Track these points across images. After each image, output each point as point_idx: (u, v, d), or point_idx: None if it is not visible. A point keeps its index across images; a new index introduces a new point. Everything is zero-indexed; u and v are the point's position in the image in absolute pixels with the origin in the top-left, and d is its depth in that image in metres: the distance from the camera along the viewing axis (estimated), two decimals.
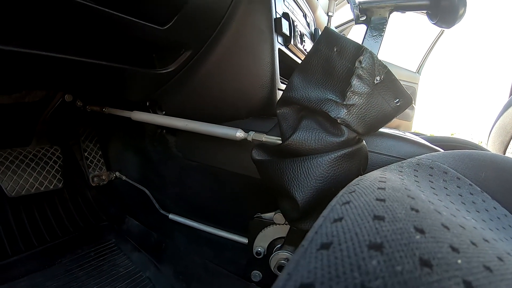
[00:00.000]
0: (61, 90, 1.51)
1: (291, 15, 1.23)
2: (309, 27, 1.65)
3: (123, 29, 0.83)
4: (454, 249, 0.31)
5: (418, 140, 1.01)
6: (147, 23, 0.84)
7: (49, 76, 0.91)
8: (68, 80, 0.98)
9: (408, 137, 1.02)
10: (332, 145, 0.78)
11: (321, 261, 0.30)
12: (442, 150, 0.93)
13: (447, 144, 1.62)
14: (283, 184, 0.82)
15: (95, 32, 0.89)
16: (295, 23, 1.27)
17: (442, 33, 3.58)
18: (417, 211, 0.38)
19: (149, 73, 1.05)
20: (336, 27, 3.17)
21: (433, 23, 1.10)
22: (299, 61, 1.42)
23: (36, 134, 1.62)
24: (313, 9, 1.86)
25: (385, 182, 0.52)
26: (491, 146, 2.25)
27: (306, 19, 1.61)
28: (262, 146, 0.95)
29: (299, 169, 0.79)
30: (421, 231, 0.33)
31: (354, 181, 0.59)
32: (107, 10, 0.73)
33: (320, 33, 1.72)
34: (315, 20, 1.91)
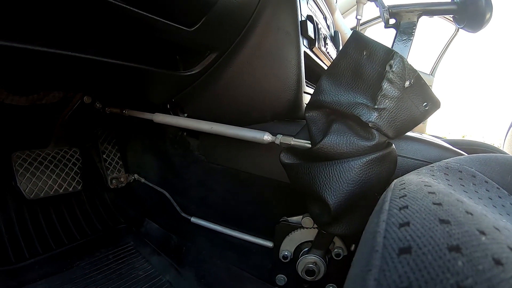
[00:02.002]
0: (83, 92, 1.51)
1: (314, 17, 1.22)
2: (329, 30, 1.64)
3: (151, 29, 0.83)
4: (511, 248, 0.32)
5: (443, 144, 1.00)
6: (175, 24, 0.83)
7: (73, 77, 0.91)
8: (92, 82, 0.98)
9: (433, 141, 1.01)
10: (363, 149, 0.78)
11: (409, 265, 0.31)
12: (466, 154, 0.92)
13: (468, 147, 1.61)
14: (314, 188, 0.81)
15: (122, 33, 0.89)
16: (319, 26, 1.26)
17: (455, 34, 3.57)
18: (471, 214, 0.39)
19: (173, 75, 1.04)
20: (351, 29, 3.16)
21: (460, 28, 1.10)
22: (322, 64, 1.42)
23: (54, 136, 1.62)
24: (332, 11, 1.85)
25: (431, 186, 0.52)
26: (507, 148, 2.24)
27: (326, 22, 1.60)
28: (290, 149, 0.95)
29: (331, 173, 0.78)
30: (482, 233, 0.34)
31: (394, 185, 0.59)
32: (136, 10, 0.73)
33: (340, 35, 1.73)
34: (334, 22, 1.90)
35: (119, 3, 0.68)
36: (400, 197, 0.48)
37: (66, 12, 0.72)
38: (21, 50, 0.67)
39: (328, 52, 1.45)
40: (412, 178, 0.61)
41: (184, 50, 1.06)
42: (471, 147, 1.61)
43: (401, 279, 0.30)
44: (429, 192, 0.48)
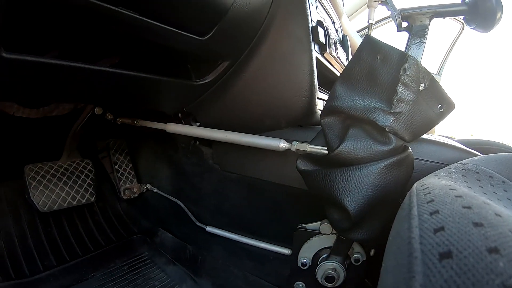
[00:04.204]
0: (96, 103, 1.51)
1: (324, 22, 1.22)
2: (338, 34, 1.64)
3: (164, 40, 0.83)
4: None
5: (457, 145, 1.00)
6: (187, 34, 0.83)
7: (86, 89, 0.91)
8: (105, 93, 0.98)
9: (447, 142, 1.00)
10: (380, 153, 0.78)
11: (452, 269, 0.32)
12: (481, 154, 0.92)
13: (482, 147, 1.60)
14: (333, 194, 0.81)
15: (134, 44, 0.89)
16: (329, 31, 1.26)
17: (461, 33, 3.55)
18: (500, 216, 0.39)
19: (186, 84, 1.05)
20: (357, 32, 3.16)
21: (472, 28, 1.10)
22: (334, 70, 1.41)
23: (66, 148, 1.62)
24: (339, 15, 1.85)
25: (455, 190, 0.52)
26: None
27: (334, 26, 1.60)
28: (307, 156, 0.95)
29: (350, 179, 0.78)
30: None
31: (417, 189, 0.59)
32: (149, 20, 0.73)
33: (348, 40, 1.72)
34: (341, 26, 1.90)
35: (132, 14, 0.69)
36: (427, 202, 0.48)
37: (79, 24, 0.73)
38: (34, 63, 0.67)
39: (338, 57, 1.45)
40: (434, 182, 0.61)
41: (196, 59, 1.06)
42: (485, 147, 1.60)
43: (447, 283, 0.31)
44: (456, 196, 0.47)
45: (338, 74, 1.48)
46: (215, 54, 1.00)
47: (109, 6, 0.63)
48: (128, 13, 0.68)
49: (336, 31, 1.65)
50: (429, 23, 1.08)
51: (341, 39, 1.70)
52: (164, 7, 0.75)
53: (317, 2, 1.29)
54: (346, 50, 1.69)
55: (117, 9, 0.65)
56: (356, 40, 2.30)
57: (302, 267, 1.09)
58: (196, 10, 0.81)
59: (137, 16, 0.70)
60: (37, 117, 1.53)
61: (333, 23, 1.58)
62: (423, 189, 0.57)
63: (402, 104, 0.74)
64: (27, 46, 0.83)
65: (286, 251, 1.22)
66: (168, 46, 0.87)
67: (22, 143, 1.58)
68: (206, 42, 0.89)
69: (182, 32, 0.82)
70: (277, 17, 1.02)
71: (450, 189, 0.53)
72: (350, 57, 1.78)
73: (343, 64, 1.61)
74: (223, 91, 1.10)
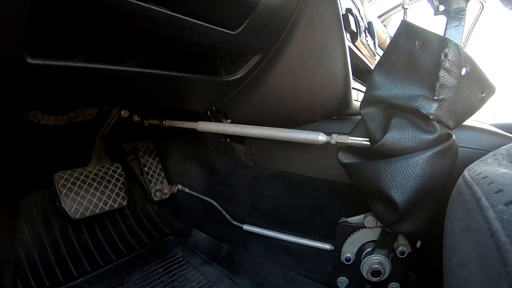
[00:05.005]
0: (124, 106, 1.50)
1: (354, 10, 1.20)
2: (363, 21, 1.61)
3: (195, 36, 0.82)
4: None
5: (496, 130, 0.98)
6: (219, 28, 0.82)
7: (114, 92, 0.89)
8: (134, 95, 0.97)
9: (486, 128, 0.98)
10: (426, 142, 0.76)
11: None
12: None
13: None
14: (379, 186, 0.79)
15: (165, 42, 0.87)
16: (358, 18, 1.23)
17: (480, 13, 3.50)
18: None
19: (216, 81, 1.03)
20: (378, 17, 3.14)
21: (509, 8, 1.06)
22: (363, 58, 1.39)
23: (94, 153, 1.62)
24: (362, 2, 1.83)
25: None
26: None
27: (359, 13, 1.57)
28: (348, 148, 0.92)
29: (397, 170, 0.77)
30: None
31: (472, 178, 0.58)
32: (180, 16, 0.71)
33: (373, 26, 1.69)
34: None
35: (163, 10, 0.67)
36: (496, 192, 0.47)
37: (107, 24, 0.71)
38: (60, 68, 0.65)
39: (368, 45, 1.42)
40: (490, 170, 0.60)
41: (226, 54, 1.05)
42: None
43: None
44: None
45: (368, 62, 1.46)
46: (246, 48, 0.99)
47: (138, 2, 0.62)
48: (158, 9, 0.66)
49: (361, 18, 1.62)
50: (466, 5, 1.05)
51: (367, 26, 1.67)
52: (195, 1, 0.73)
53: None
54: (373, 37, 1.67)
55: (146, 5, 0.63)
56: (377, 27, 2.27)
57: (346, 262, 1.07)
58: (228, 3, 0.79)
59: (168, 12, 0.69)
60: (63, 124, 1.53)
61: (358, 9, 1.55)
62: (482, 178, 0.55)
63: (445, 90, 0.72)
64: (52, 50, 0.82)
65: (327, 247, 1.20)
66: (198, 43, 0.85)
67: (49, 150, 1.59)
68: (237, 36, 0.88)
69: (214, 27, 0.81)
70: (307, 6, 1.00)
71: None
72: (376, 44, 1.75)
73: (372, 52, 1.58)
74: (255, 86, 1.08)
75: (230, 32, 0.86)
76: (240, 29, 0.87)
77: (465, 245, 0.47)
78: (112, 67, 0.75)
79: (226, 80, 1.04)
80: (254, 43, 0.97)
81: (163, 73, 0.88)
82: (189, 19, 0.73)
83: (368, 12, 2.06)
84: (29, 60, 0.57)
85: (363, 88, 1.30)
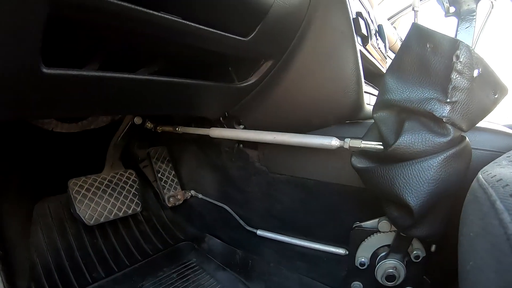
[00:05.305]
0: (138, 114, 1.51)
1: (364, 13, 1.20)
2: (373, 24, 1.61)
3: (208, 43, 0.83)
4: None
5: (510, 131, 0.97)
6: (231, 35, 0.82)
7: (128, 100, 0.90)
8: (148, 103, 0.98)
9: (499, 129, 0.98)
10: (439, 145, 0.75)
11: None
12: None
13: None
14: (393, 190, 0.79)
15: (178, 50, 0.88)
16: (368, 21, 1.23)
17: (490, 12, 3.48)
18: None
19: (229, 87, 1.04)
20: (388, 19, 3.12)
21: None
22: (375, 61, 1.38)
23: (108, 160, 1.63)
24: (372, 5, 1.82)
25: None
26: None
27: (369, 16, 1.57)
28: (361, 152, 0.93)
29: (410, 174, 0.76)
30: None
31: (486, 181, 0.57)
32: (192, 24, 0.72)
33: (384, 29, 1.69)
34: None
35: (175, 18, 0.68)
36: (511, 195, 0.47)
37: (121, 34, 0.72)
38: (75, 77, 0.66)
39: (379, 48, 1.42)
40: (504, 172, 0.59)
41: (238, 61, 1.05)
42: None
43: None
44: None
45: (379, 65, 1.45)
46: (258, 54, 0.99)
47: (151, 11, 0.62)
48: (171, 17, 0.67)
49: (372, 21, 1.62)
50: (476, 6, 1.05)
51: (377, 29, 1.67)
52: (207, 9, 0.74)
53: None
54: (383, 39, 1.66)
55: (159, 14, 0.64)
56: (388, 29, 2.26)
57: (360, 267, 1.06)
58: (239, 10, 0.80)
59: (180, 21, 0.69)
60: (76, 131, 1.54)
61: (368, 12, 1.55)
62: (497, 181, 0.54)
63: (458, 93, 0.72)
64: (66, 58, 0.83)
65: (341, 251, 1.19)
66: (210, 50, 0.86)
67: (63, 157, 1.60)
68: (249, 43, 0.88)
69: (225, 34, 0.81)
70: (318, 12, 1.00)
71: None
72: (387, 46, 1.75)
73: (383, 55, 1.58)
74: (267, 92, 1.08)
75: (242, 38, 0.86)
76: (251, 35, 0.87)
77: (481, 249, 0.47)
78: (126, 75, 0.76)
79: (238, 87, 1.04)
80: (266, 49, 0.97)
81: (176, 80, 0.88)
82: (201, 27, 0.74)
83: (378, 15, 2.06)
84: (44, 70, 0.58)
85: (375, 92, 1.30)
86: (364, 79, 1.14)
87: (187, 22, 0.70)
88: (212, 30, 0.77)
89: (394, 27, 3.08)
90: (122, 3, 0.56)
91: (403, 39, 0.85)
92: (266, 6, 0.83)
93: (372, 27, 1.36)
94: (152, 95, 0.91)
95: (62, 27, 0.60)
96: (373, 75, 1.47)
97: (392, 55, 2.15)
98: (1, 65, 0.51)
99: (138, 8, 0.59)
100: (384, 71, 1.40)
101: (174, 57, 1.03)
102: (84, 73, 0.67)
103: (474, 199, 0.58)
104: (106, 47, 0.87)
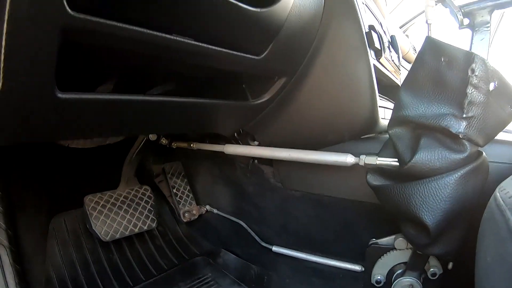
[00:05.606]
0: (153, 133, 1.52)
1: (376, 26, 1.19)
2: (386, 35, 1.60)
3: (221, 63, 0.83)
4: None
5: None
6: (244, 55, 0.82)
7: (142, 121, 0.90)
8: (162, 123, 0.97)
9: None
10: (456, 162, 0.74)
11: None
12: None
13: None
14: (410, 209, 0.78)
15: (192, 71, 0.88)
16: (381, 33, 1.22)
17: (500, 21, 3.44)
18: None
19: (243, 105, 1.03)
20: (400, 27, 3.10)
21: None
22: (388, 74, 1.37)
23: (123, 176, 1.63)
24: (383, 15, 1.81)
25: None
26: None
27: (382, 27, 1.56)
28: (377, 169, 0.92)
29: (427, 192, 0.76)
30: None
31: (502, 198, 0.57)
32: (205, 45, 0.72)
33: (397, 40, 1.67)
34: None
35: (188, 41, 0.68)
36: None
37: (135, 58, 0.72)
38: (89, 101, 0.66)
39: (392, 60, 1.41)
40: None
41: (251, 78, 1.05)
42: None
43: None
44: None
45: (393, 77, 1.44)
46: (271, 72, 0.99)
47: (163, 35, 0.62)
48: (184, 40, 0.67)
49: (384, 32, 1.61)
50: (490, 17, 1.03)
51: (390, 40, 1.66)
52: (219, 30, 0.74)
53: (364, 5, 1.25)
54: (396, 51, 1.65)
55: (172, 37, 0.64)
56: (400, 38, 2.24)
57: (376, 285, 1.05)
58: (252, 30, 0.79)
59: (193, 42, 0.69)
60: (92, 147, 1.55)
61: (380, 24, 1.54)
62: None
63: (474, 107, 0.71)
64: (81, 80, 0.83)
65: (357, 268, 1.18)
66: (224, 69, 0.86)
67: (79, 172, 1.61)
68: (262, 61, 0.88)
69: (238, 54, 0.81)
70: (330, 27, 0.99)
71: None
72: (400, 57, 1.73)
73: (397, 66, 1.57)
74: (281, 108, 1.08)
75: (255, 57, 0.86)
76: (264, 53, 0.87)
77: (497, 275, 0.47)
78: (141, 97, 0.76)
79: (252, 104, 1.04)
80: (279, 66, 0.97)
81: (190, 101, 0.88)
82: (213, 47, 0.73)
83: (390, 25, 2.04)
84: (59, 95, 0.58)
85: (389, 105, 1.29)
86: (378, 92, 1.13)
87: (200, 44, 0.70)
88: (224, 50, 0.77)
89: (407, 35, 3.05)
90: (135, 28, 0.56)
91: (416, 48, 0.84)
92: (278, 24, 0.82)
93: (385, 39, 1.35)
94: (166, 115, 0.91)
95: (76, 51, 0.60)
96: (387, 87, 1.46)
97: (406, 65, 2.13)
98: (17, 92, 0.51)
99: (151, 32, 0.59)
100: (398, 83, 1.38)
101: (188, 76, 1.04)
102: (98, 96, 0.67)
103: (491, 219, 0.58)
104: (120, 68, 0.88)
